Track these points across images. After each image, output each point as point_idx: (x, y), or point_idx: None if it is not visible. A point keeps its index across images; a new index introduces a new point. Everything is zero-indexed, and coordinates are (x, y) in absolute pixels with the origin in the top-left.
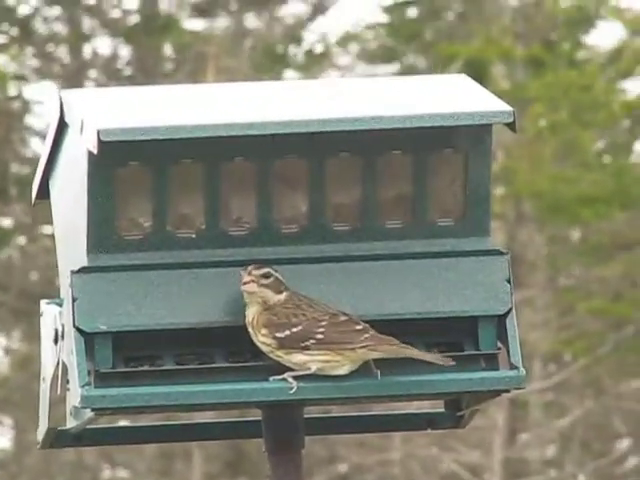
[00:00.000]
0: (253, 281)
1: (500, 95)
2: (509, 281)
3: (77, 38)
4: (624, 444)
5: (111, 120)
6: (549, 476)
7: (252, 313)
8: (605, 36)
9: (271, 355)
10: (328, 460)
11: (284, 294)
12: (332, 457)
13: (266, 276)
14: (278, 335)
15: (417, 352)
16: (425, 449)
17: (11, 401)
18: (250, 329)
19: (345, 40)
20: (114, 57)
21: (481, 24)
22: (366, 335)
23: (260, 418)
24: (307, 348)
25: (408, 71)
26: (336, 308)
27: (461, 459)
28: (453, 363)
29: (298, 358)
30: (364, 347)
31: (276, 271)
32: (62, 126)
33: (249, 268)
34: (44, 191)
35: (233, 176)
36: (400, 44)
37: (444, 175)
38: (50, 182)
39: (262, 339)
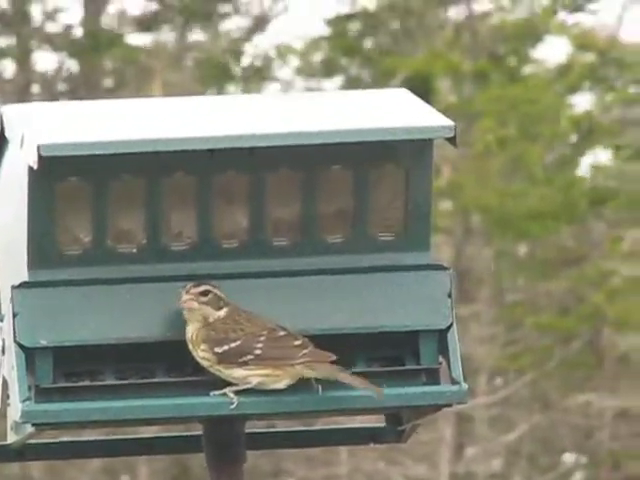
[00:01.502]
0: (192, 299)
1: (447, 109)
2: (450, 295)
3: (20, 53)
4: (570, 458)
5: (51, 135)
6: None
7: (192, 330)
8: (552, 51)
9: (211, 370)
10: (274, 474)
11: (224, 310)
12: (278, 471)
13: (204, 294)
14: (217, 350)
15: (351, 379)
16: (372, 463)
17: None
18: (190, 345)
19: (286, 53)
20: (57, 72)
21: (424, 38)
22: (305, 351)
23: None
24: (246, 363)
25: (351, 85)
26: (276, 323)
27: (408, 473)
28: (383, 395)
29: (238, 373)
30: (302, 363)
31: (215, 287)
32: (2, 141)
33: (187, 286)
34: None
35: (173, 191)
36: (342, 57)
37: (385, 190)
38: None
39: (201, 354)
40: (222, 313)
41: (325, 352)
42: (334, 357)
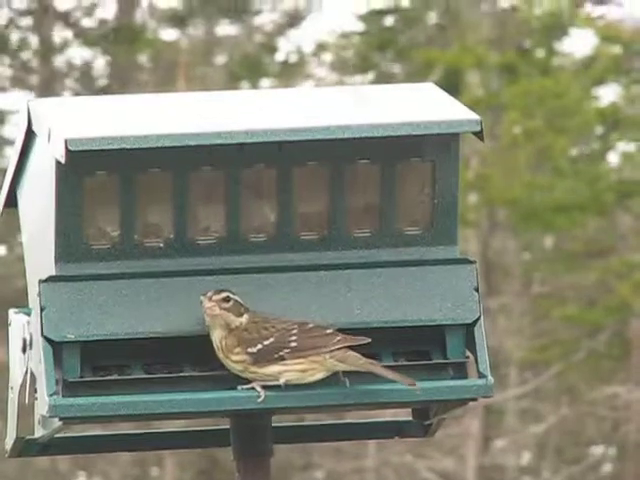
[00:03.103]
0: (214, 306)
1: (474, 103)
2: (477, 290)
3: (48, 48)
4: (598, 450)
5: (79, 129)
6: None
7: (218, 337)
8: (578, 44)
9: (245, 374)
10: (304, 467)
11: (245, 316)
12: (308, 464)
13: (226, 300)
14: (251, 350)
15: (382, 370)
16: (400, 456)
17: None
18: (220, 354)
19: (320, 49)
20: (88, 66)
21: (458, 33)
22: (338, 338)
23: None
24: (282, 358)
25: (384, 80)
26: (301, 319)
27: (435, 466)
28: (416, 386)
29: (273, 369)
30: (338, 349)
31: (234, 294)
32: (30, 135)
33: (209, 294)
34: (12, 200)
35: (201, 185)
36: (375, 52)
37: (412, 184)
38: (18, 191)
39: (235, 358)
40: (243, 320)
41: (357, 336)
42: (368, 339)
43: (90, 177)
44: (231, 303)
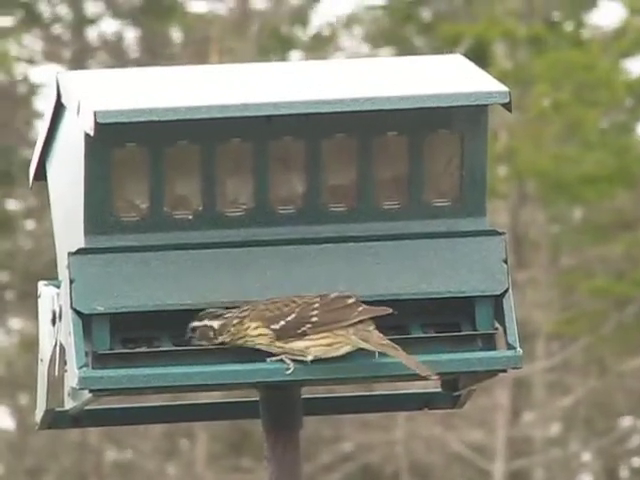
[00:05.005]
0: (192, 339)
1: (502, 75)
2: (505, 261)
3: (81, 21)
4: (627, 422)
5: (108, 102)
6: (553, 455)
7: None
8: (607, 16)
9: (271, 348)
10: (334, 440)
11: (221, 337)
12: (338, 437)
13: (193, 330)
14: (273, 327)
15: (405, 357)
16: (429, 428)
17: (17, 382)
18: (238, 336)
19: (349, 23)
20: (120, 39)
21: (485, 5)
22: (360, 309)
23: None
24: (305, 334)
25: (411, 54)
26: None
27: (465, 438)
28: (435, 377)
29: (299, 345)
30: (361, 322)
31: (205, 317)
32: (59, 108)
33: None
34: (41, 173)
35: (229, 157)
36: (400, 26)
37: (440, 156)
38: (47, 164)
39: (256, 332)
40: (222, 338)
41: (379, 307)
42: (390, 310)
43: (119, 150)
44: (199, 329)
